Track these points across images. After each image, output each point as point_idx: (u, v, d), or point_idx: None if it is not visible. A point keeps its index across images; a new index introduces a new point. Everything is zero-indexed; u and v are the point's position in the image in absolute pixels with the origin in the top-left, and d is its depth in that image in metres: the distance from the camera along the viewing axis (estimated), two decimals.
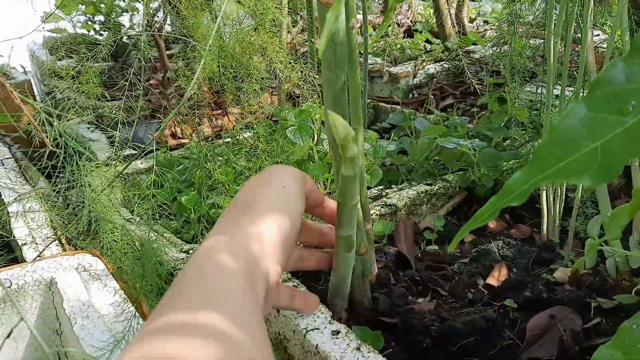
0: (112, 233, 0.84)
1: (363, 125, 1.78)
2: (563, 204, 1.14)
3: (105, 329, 0.62)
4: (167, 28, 3.07)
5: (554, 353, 0.84)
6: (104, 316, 0.67)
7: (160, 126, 1.00)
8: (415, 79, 2.07)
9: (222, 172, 1.10)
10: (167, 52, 3.00)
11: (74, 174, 0.83)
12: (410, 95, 2.07)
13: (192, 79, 1.04)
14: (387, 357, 0.76)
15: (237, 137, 1.21)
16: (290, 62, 1.22)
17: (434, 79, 2.05)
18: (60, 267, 0.76)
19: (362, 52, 1.77)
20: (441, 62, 2.07)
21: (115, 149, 1.21)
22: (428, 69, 2.08)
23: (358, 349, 0.73)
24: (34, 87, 2.95)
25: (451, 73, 2.09)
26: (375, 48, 2.39)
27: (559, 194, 1.12)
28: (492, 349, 0.85)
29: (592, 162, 0.48)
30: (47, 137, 0.99)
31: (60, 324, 0.69)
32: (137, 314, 0.66)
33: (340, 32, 0.70)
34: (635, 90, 0.48)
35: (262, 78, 1.21)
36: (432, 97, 1.96)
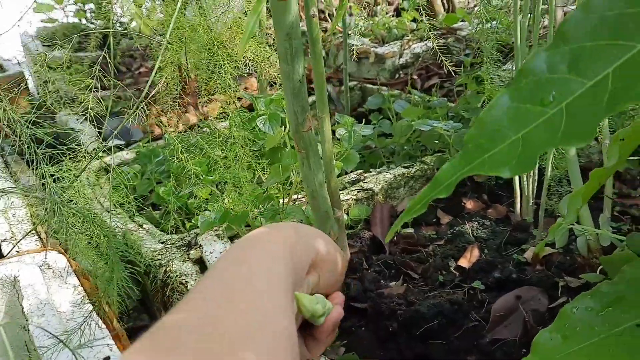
0: (79, 228, 0.86)
1: (348, 108, 1.77)
2: (536, 183, 1.14)
3: (59, 326, 0.64)
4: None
5: (518, 334, 0.85)
6: (60, 313, 0.69)
7: (128, 116, 1.00)
8: (401, 59, 2.05)
9: (196, 162, 1.11)
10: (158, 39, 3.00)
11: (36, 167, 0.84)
12: (397, 76, 2.06)
13: (160, 69, 1.04)
14: (346, 345, 0.77)
15: (212, 127, 1.21)
16: (261, 50, 1.22)
17: (420, 59, 2.03)
18: (24, 265, 0.78)
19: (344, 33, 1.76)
20: (426, 42, 2.06)
21: (101, 141, 1.22)
22: (414, 48, 2.07)
23: None
24: (28, 79, 2.96)
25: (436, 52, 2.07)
26: (363, 28, 2.37)
27: (531, 174, 1.12)
28: (456, 332, 0.86)
29: (514, 154, 0.49)
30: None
31: (26, 320, 0.71)
32: (93, 312, 0.68)
33: (293, 25, 0.70)
34: (556, 80, 0.48)
35: (236, 67, 1.21)
36: (417, 77, 1.95)
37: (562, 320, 0.59)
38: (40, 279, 0.76)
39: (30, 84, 2.97)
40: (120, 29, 3.10)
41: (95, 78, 1.08)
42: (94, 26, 3.37)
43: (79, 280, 0.77)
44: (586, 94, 0.46)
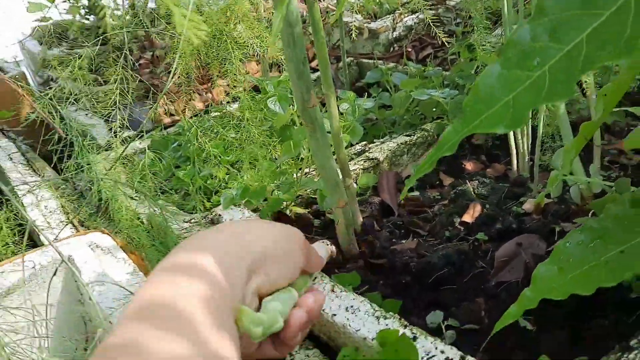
0: (120, 211, 0.95)
1: (347, 84, 1.85)
2: (530, 140, 1.22)
3: (120, 292, 0.73)
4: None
5: (520, 276, 0.94)
6: (118, 282, 0.78)
7: (153, 107, 1.09)
8: (394, 33, 2.12)
9: (213, 145, 1.19)
10: (154, 29, 3.05)
11: (81, 156, 0.92)
12: (392, 49, 2.13)
13: (176, 62, 1.12)
14: (363, 293, 0.87)
15: (224, 110, 1.30)
16: (267, 34, 1.29)
17: (412, 31, 2.10)
18: (75, 246, 0.87)
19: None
20: (417, 14, 2.13)
21: (114, 133, 1.31)
22: (406, 21, 2.13)
23: (332, 290, 0.84)
24: (29, 79, 3.01)
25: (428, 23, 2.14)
26: (355, 5, 2.43)
27: (525, 132, 1.21)
28: (464, 278, 0.96)
29: (506, 113, 0.57)
30: (54, 122, 1.08)
31: (82, 294, 0.80)
32: (146, 279, 0.77)
33: (294, 14, 0.78)
34: (539, 48, 0.57)
35: (243, 53, 1.29)
36: (412, 49, 2.02)
37: (557, 254, 0.68)
38: (93, 255, 0.85)
39: (31, 83, 3.03)
40: (113, 23, 3.15)
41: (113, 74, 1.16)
42: (88, 22, 3.42)
43: (128, 255, 0.86)
44: (564, 57, 0.55)
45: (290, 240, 0.49)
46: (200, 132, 1.23)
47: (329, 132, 1.08)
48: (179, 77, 1.45)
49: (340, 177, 1.08)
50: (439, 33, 1.24)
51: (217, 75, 1.22)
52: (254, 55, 2.16)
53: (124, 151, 0.99)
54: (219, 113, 1.37)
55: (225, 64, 1.17)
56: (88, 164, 0.88)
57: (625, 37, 0.51)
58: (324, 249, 0.64)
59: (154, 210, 1.19)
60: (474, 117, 0.59)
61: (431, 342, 0.75)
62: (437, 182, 1.32)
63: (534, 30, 0.58)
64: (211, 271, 0.40)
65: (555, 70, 0.56)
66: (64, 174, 0.99)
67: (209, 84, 1.95)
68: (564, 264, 0.67)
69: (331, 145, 1.07)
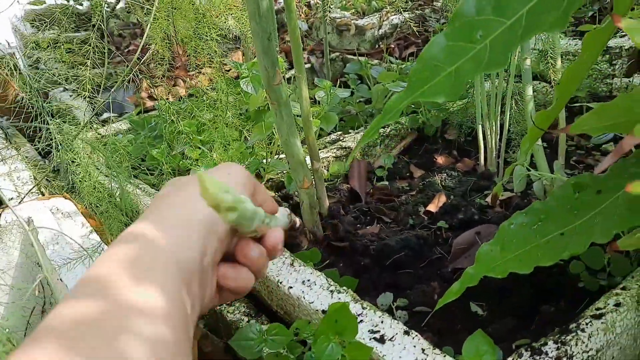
0: (83, 180, 0.95)
1: (329, 77, 1.86)
2: (499, 136, 1.24)
3: (72, 250, 0.74)
4: None
5: None
6: (72, 243, 0.79)
7: (123, 76, 1.09)
8: (380, 30, 2.14)
9: (186, 124, 1.20)
10: (145, 19, 3.07)
11: (41, 119, 0.93)
12: (377, 46, 2.15)
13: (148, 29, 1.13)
14: (322, 269, 0.88)
15: (201, 93, 1.31)
16: (244, 18, 1.31)
17: (398, 29, 2.12)
18: (36, 209, 0.88)
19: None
20: (403, 13, 2.15)
21: (95, 113, 1.31)
22: (392, 19, 2.16)
23: (291, 264, 0.86)
24: (19, 60, 3.01)
25: (413, 23, 2.16)
26: (344, 2, 2.45)
27: (494, 129, 1.23)
28: (422, 263, 0.97)
29: (448, 83, 0.59)
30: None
31: (40, 256, 0.80)
32: (101, 241, 0.78)
33: None
34: (483, 21, 0.59)
35: (223, 36, 1.30)
36: (395, 46, 2.04)
37: (501, 235, 0.70)
38: (52, 218, 0.86)
39: (21, 65, 3.02)
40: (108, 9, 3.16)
41: (89, 57, 1.16)
42: (82, 7, 3.42)
43: (86, 219, 0.87)
44: (506, 30, 0.57)
45: (230, 181, 0.47)
46: (176, 112, 1.24)
47: (299, 116, 1.09)
48: (163, 54, 1.47)
49: (308, 159, 1.09)
50: (415, 27, 1.25)
51: (194, 56, 1.23)
52: (241, 46, 2.17)
53: (90, 118, 0.99)
54: (196, 95, 1.38)
55: (201, 45, 1.18)
56: (47, 129, 0.89)
57: (561, 9, 0.53)
58: (286, 213, 0.61)
59: (127, 188, 1.20)
60: (418, 87, 0.61)
61: (379, 317, 0.76)
62: (408, 174, 1.34)
63: (479, 3, 0.60)
64: (144, 236, 0.40)
65: (497, 42, 0.58)
66: (34, 144, 1.00)
67: (195, 73, 1.97)
68: (507, 244, 0.68)
69: (301, 128, 1.09)
